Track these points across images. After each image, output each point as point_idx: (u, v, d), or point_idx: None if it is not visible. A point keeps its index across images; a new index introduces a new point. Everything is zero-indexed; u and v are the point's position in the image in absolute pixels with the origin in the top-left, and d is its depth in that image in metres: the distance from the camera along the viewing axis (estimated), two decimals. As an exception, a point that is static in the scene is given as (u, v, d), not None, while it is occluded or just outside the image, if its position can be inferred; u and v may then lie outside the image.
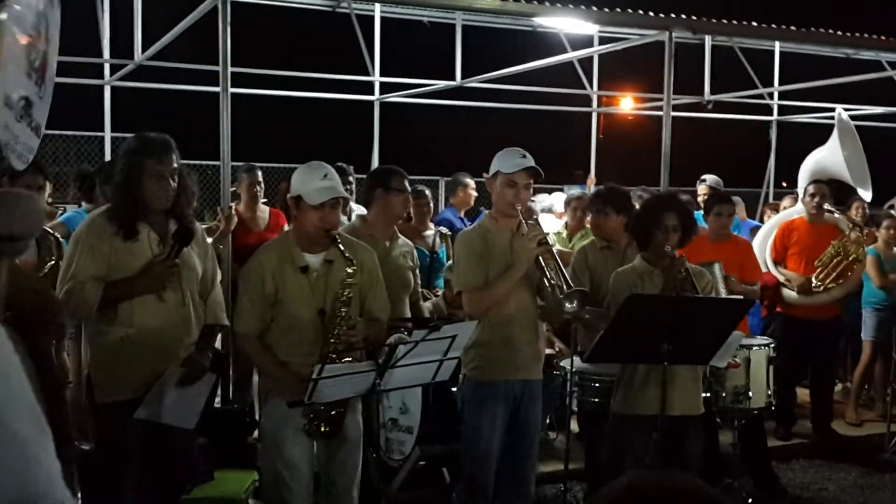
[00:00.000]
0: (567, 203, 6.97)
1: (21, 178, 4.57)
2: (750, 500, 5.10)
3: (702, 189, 7.47)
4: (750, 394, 4.71)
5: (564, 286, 3.70)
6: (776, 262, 6.42)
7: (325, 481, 3.71)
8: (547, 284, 3.79)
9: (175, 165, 3.52)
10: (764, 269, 6.22)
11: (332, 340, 3.46)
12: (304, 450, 3.57)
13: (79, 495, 3.42)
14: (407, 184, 4.68)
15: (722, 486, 5.09)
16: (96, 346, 3.52)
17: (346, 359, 3.38)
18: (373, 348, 3.47)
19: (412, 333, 3.25)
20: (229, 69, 5.26)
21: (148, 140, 3.53)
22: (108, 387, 3.48)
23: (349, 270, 3.54)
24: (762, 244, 6.63)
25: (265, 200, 6.50)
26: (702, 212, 6.76)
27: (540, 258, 3.80)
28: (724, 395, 4.72)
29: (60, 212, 6.26)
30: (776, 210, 8.14)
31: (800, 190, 7.03)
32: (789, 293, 6.30)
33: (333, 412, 3.48)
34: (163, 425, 3.53)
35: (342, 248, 3.54)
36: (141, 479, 3.59)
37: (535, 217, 4.03)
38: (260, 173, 6.44)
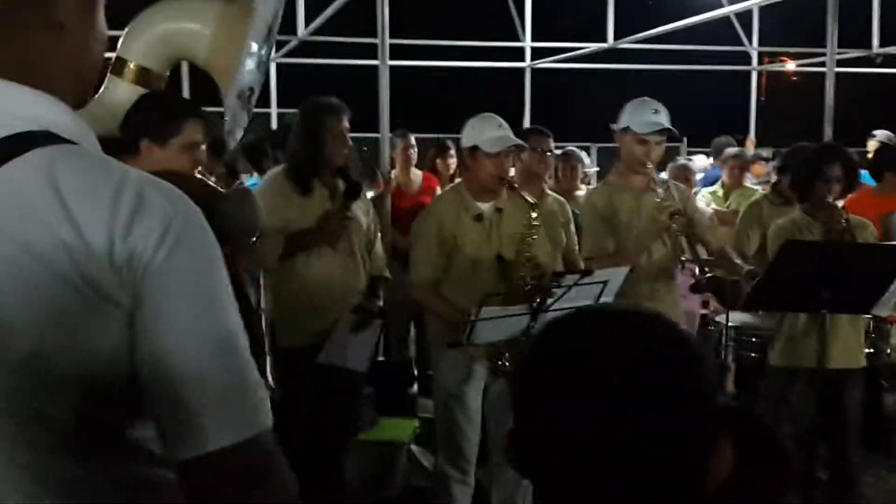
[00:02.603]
0: (724, 161, 6.84)
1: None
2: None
3: (872, 145, 7.11)
4: (916, 350, 4.53)
5: (698, 267, 3.65)
6: None
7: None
8: (679, 258, 3.73)
9: (347, 125, 3.80)
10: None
11: (519, 283, 3.57)
12: (477, 397, 3.71)
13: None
14: (546, 143, 4.69)
15: (881, 447, 4.94)
16: (277, 294, 3.84)
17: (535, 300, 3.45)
18: (530, 294, 3.57)
19: (565, 278, 3.35)
20: (387, 41, 5.44)
21: (327, 101, 3.86)
22: (289, 332, 3.79)
23: (533, 214, 3.66)
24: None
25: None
26: (868, 170, 6.49)
27: (673, 231, 3.74)
28: (888, 351, 4.56)
29: (237, 183, 6.69)
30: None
31: None
32: None
33: (509, 351, 3.56)
34: (336, 371, 3.80)
35: (524, 193, 3.67)
36: (315, 422, 3.88)
37: (667, 183, 3.93)
38: (412, 137, 6.64)
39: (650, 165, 3.83)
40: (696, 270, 3.79)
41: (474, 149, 3.69)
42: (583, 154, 7.14)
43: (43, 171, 1.03)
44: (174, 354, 1.04)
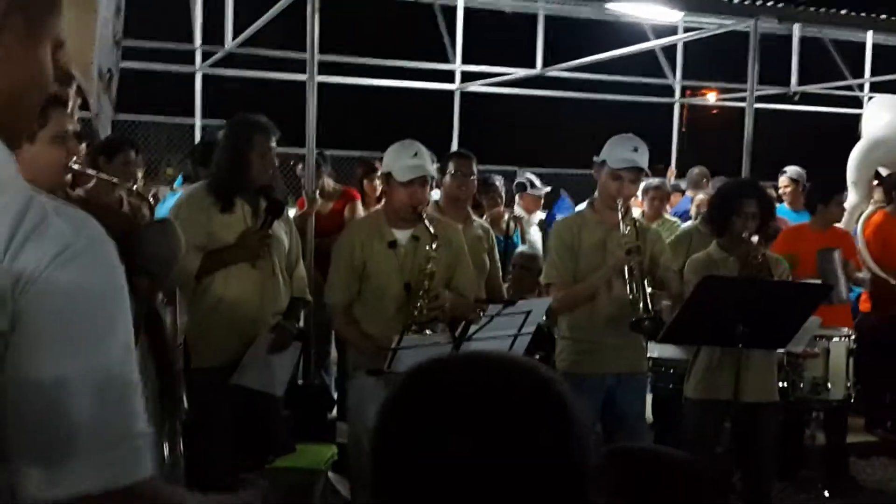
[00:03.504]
0: (645, 192, 6.95)
1: (118, 155, 4.84)
2: (826, 493, 5.04)
3: (783, 181, 7.34)
4: (829, 385, 4.66)
5: (641, 306, 3.66)
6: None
7: None
8: (628, 297, 3.73)
9: (275, 145, 3.75)
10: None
11: (416, 313, 3.57)
12: None
13: (182, 457, 3.59)
14: (468, 167, 4.68)
15: (797, 477, 5.05)
16: (193, 312, 3.74)
17: (427, 331, 3.49)
18: (453, 322, 3.57)
19: (488, 308, 3.34)
20: (317, 57, 5.37)
21: (257, 119, 3.81)
22: (203, 353, 3.69)
23: (433, 245, 3.64)
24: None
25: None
26: (784, 203, 6.69)
27: (626, 268, 3.74)
28: (801, 385, 4.68)
29: (153, 192, 6.53)
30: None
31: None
32: None
33: None
34: (251, 394, 3.72)
35: (427, 223, 3.64)
36: (230, 446, 3.78)
37: (634, 220, 3.93)
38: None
39: (620, 201, 3.81)
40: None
41: (389, 175, 3.68)
42: (534, 177, 7.25)
43: None
44: (46, 382, 0.98)
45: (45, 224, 1.00)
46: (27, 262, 0.98)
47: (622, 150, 3.83)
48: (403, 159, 3.66)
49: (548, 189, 7.32)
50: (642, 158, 3.83)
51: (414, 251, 3.70)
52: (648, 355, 4.52)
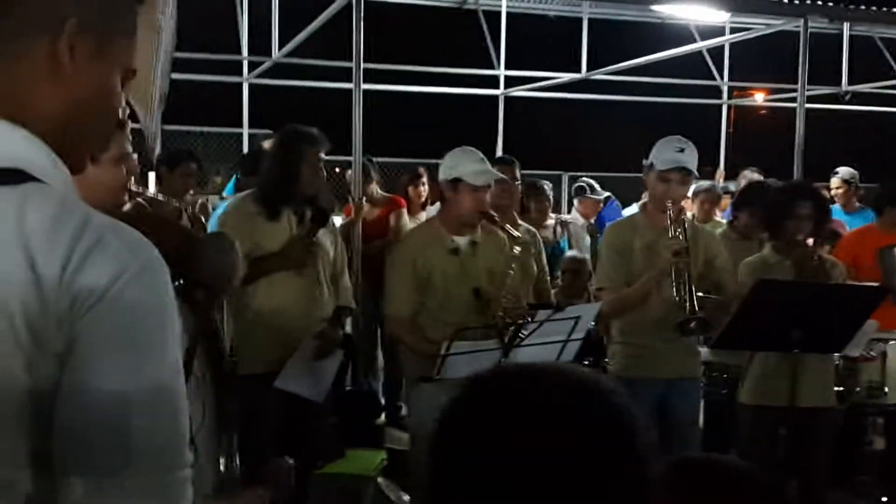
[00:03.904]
0: (695, 195, 6.88)
1: (179, 167, 5.01)
2: (884, 499, 4.92)
3: (834, 182, 7.20)
4: (885, 389, 4.55)
5: (688, 307, 3.59)
6: None
7: None
8: (675, 298, 3.66)
9: (323, 156, 3.82)
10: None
11: (501, 314, 3.56)
12: None
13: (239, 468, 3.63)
14: (511, 172, 4.68)
15: (854, 483, 4.94)
16: (239, 320, 3.77)
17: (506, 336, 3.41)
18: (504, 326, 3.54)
19: (537, 314, 3.32)
20: (362, 65, 5.43)
21: (306, 130, 3.85)
22: (249, 359, 3.71)
23: (516, 248, 3.66)
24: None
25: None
26: (836, 205, 6.56)
27: (673, 269, 3.65)
28: (857, 389, 4.57)
29: (200, 202, 6.63)
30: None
31: None
32: None
33: None
34: (297, 401, 3.73)
35: (508, 226, 3.68)
36: (276, 452, 3.80)
37: (685, 221, 3.82)
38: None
39: (670, 203, 3.73)
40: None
41: (456, 181, 3.65)
42: (593, 182, 7.24)
43: (10, 212, 1.00)
44: (101, 396, 0.99)
45: (102, 244, 1.01)
46: (85, 284, 0.99)
47: (668, 152, 3.78)
48: (473, 164, 3.67)
49: (607, 194, 7.28)
50: (689, 159, 3.77)
51: (475, 256, 3.71)
52: (702, 359, 4.47)
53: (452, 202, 3.71)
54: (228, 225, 3.65)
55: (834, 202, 6.88)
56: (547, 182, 6.53)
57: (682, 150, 3.78)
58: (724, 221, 6.69)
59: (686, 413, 3.92)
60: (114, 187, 2.17)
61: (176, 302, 1.08)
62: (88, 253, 1.00)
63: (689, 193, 7.24)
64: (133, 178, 2.83)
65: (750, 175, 7.43)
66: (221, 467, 2.24)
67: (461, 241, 3.71)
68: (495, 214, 3.76)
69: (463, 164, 3.67)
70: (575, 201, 7.25)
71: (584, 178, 7.49)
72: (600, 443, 1.00)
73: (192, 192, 5.51)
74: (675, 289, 3.64)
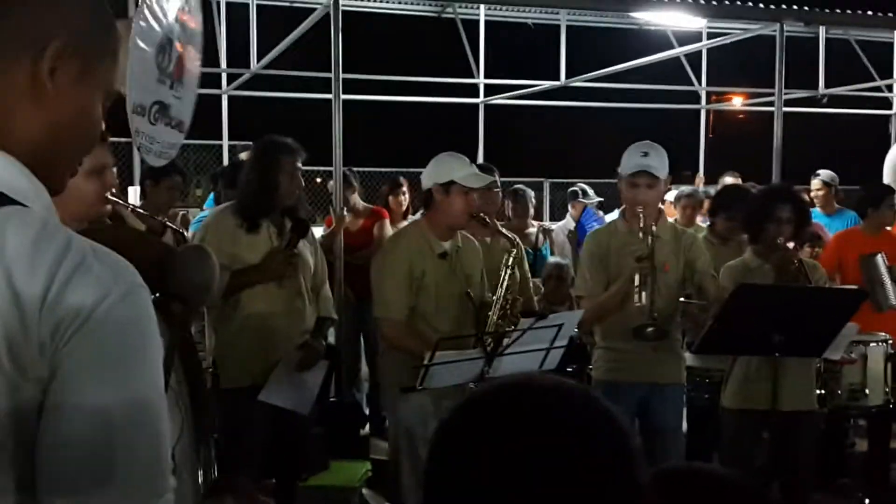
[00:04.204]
0: (677, 200, 6.90)
1: (164, 180, 5.00)
2: (867, 501, 4.95)
3: (815, 184, 7.24)
4: (867, 391, 4.57)
5: (646, 312, 3.60)
6: None
7: None
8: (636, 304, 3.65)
9: (301, 166, 3.79)
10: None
11: (488, 322, 3.59)
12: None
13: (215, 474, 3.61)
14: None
15: (838, 485, 4.96)
16: (220, 333, 3.75)
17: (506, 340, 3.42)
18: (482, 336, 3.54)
19: (519, 322, 3.32)
20: (341, 76, 5.43)
21: (283, 140, 3.84)
22: (232, 372, 3.70)
23: (512, 250, 3.71)
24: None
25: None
26: (816, 208, 6.60)
27: (638, 275, 3.65)
28: (839, 391, 4.59)
29: (182, 214, 6.61)
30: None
31: None
32: None
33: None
34: (282, 413, 3.71)
35: (501, 228, 3.77)
36: (260, 466, 3.77)
37: (652, 226, 3.79)
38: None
39: (639, 209, 3.74)
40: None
41: (449, 184, 3.65)
42: (587, 187, 7.28)
43: None
44: (83, 413, 0.98)
45: (84, 268, 1.00)
46: (68, 308, 0.98)
47: (634, 157, 3.80)
48: (465, 168, 3.70)
49: (599, 199, 7.30)
50: (654, 162, 3.77)
51: (459, 261, 3.73)
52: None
53: (443, 206, 3.69)
54: (208, 238, 3.62)
55: (814, 205, 6.93)
56: (528, 189, 6.56)
57: (646, 154, 3.79)
58: (705, 226, 6.73)
59: (668, 420, 3.90)
60: (89, 199, 2.14)
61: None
62: (70, 277, 0.99)
63: (671, 198, 7.30)
64: (111, 190, 2.80)
65: (731, 180, 7.46)
66: (200, 480, 2.22)
67: (447, 245, 3.72)
68: (486, 217, 3.79)
69: (456, 167, 3.68)
70: (569, 205, 7.29)
71: (580, 184, 7.54)
72: (597, 443, 1.02)
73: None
74: (637, 295, 3.65)
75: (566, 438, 1.01)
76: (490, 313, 3.63)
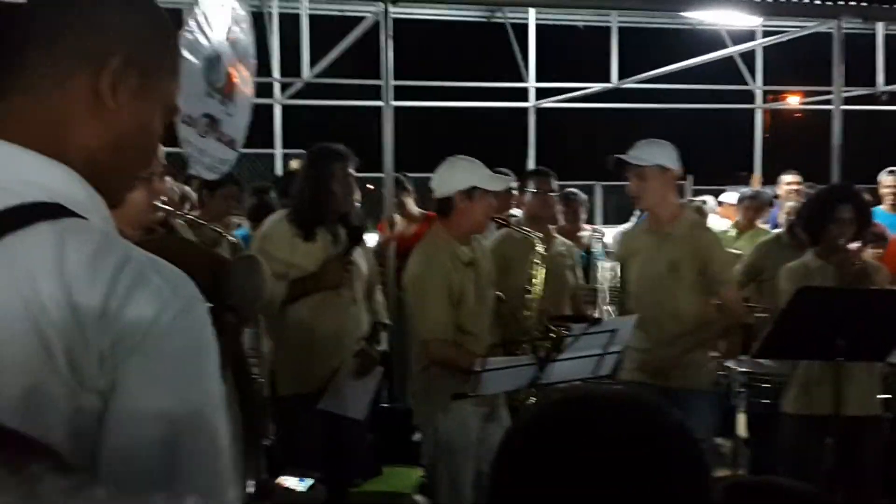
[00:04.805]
0: (740, 201, 6.77)
1: (220, 189, 5.08)
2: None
3: (890, 181, 6.78)
4: (935, 395, 4.43)
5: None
6: None
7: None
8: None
9: (354, 172, 3.80)
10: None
11: (519, 327, 3.63)
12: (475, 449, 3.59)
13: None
14: (548, 184, 4.68)
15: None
16: (278, 340, 3.77)
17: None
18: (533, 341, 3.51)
19: (572, 328, 3.28)
20: (391, 83, 5.44)
21: (335, 147, 3.86)
22: (289, 380, 3.72)
23: (539, 249, 3.72)
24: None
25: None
26: (882, 207, 6.34)
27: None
28: (905, 396, 4.45)
29: (237, 222, 6.68)
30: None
31: None
32: None
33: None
34: (337, 419, 3.73)
35: (524, 228, 3.81)
36: (315, 472, 3.78)
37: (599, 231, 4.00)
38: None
39: (638, 206, 3.85)
40: None
41: (471, 190, 3.62)
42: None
43: (48, 247, 0.99)
44: (141, 432, 0.98)
45: (143, 280, 1.00)
46: (128, 321, 0.98)
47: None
48: (484, 170, 3.69)
49: None
50: (635, 151, 3.81)
51: (480, 265, 3.71)
52: (743, 369, 4.39)
53: (467, 212, 3.63)
54: (264, 247, 3.66)
55: (876, 203, 6.64)
56: (581, 192, 6.50)
57: (636, 147, 3.85)
58: (766, 227, 6.58)
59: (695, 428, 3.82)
60: (138, 206, 2.16)
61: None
62: (130, 290, 0.99)
63: (731, 200, 7.14)
64: (161, 198, 2.83)
65: (790, 179, 7.27)
66: (251, 489, 2.23)
67: (469, 252, 3.70)
68: (503, 218, 3.77)
69: (476, 172, 3.66)
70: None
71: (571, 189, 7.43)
72: (671, 457, 1.00)
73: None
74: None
75: (639, 452, 0.99)
76: (526, 313, 3.64)
